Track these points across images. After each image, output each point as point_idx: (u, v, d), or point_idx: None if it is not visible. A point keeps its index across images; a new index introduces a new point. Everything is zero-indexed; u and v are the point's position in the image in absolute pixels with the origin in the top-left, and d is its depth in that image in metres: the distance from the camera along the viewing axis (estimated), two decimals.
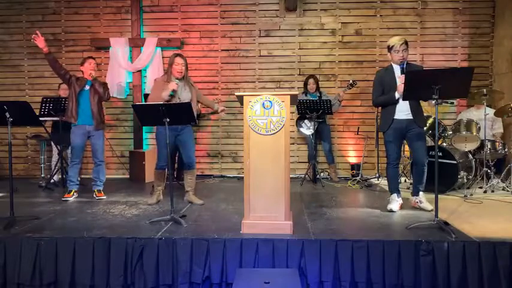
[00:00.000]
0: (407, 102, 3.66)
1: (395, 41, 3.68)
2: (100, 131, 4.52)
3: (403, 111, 3.72)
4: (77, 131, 4.42)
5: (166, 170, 4.13)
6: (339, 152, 6.14)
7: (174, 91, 3.91)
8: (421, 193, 3.86)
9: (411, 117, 3.70)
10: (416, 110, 3.71)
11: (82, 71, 4.45)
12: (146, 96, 5.19)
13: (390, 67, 3.80)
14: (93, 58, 4.53)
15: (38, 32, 4.25)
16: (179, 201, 4.21)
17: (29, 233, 3.11)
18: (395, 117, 3.74)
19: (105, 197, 4.50)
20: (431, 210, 3.65)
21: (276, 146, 3.08)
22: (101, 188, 4.58)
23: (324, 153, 5.90)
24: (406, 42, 3.68)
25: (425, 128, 4.75)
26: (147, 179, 5.70)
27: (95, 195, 4.50)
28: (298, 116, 5.61)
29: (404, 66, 3.65)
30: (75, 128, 4.43)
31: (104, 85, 4.57)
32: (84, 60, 4.47)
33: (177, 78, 4.00)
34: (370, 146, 5.96)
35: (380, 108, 4.04)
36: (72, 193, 4.46)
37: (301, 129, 5.65)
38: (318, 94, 5.64)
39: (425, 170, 3.77)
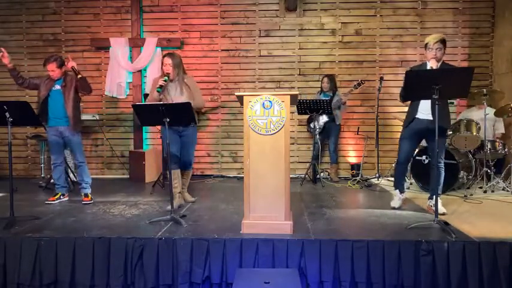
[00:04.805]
0: (429, 101, 3.52)
1: (430, 38, 3.57)
2: (75, 132, 4.21)
3: (424, 110, 3.61)
4: (49, 132, 4.23)
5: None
6: (339, 152, 6.13)
7: (161, 87, 3.81)
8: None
9: (431, 118, 3.53)
10: (439, 110, 3.31)
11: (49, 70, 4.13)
12: (146, 96, 5.20)
13: (424, 64, 3.70)
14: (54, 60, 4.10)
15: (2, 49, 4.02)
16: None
17: (29, 233, 3.11)
18: (416, 116, 3.69)
19: (92, 202, 4.23)
20: (443, 214, 3.61)
21: (276, 146, 3.08)
22: (88, 191, 4.30)
23: (328, 153, 5.93)
24: (442, 41, 3.54)
25: None
26: (147, 179, 5.70)
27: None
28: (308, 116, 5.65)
29: (438, 65, 3.50)
30: (48, 130, 4.25)
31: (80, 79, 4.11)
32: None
33: (169, 79, 3.91)
34: (370, 146, 5.96)
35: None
36: (57, 196, 4.25)
37: (310, 129, 5.68)
38: (331, 94, 5.62)
39: (441, 172, 3.67)
